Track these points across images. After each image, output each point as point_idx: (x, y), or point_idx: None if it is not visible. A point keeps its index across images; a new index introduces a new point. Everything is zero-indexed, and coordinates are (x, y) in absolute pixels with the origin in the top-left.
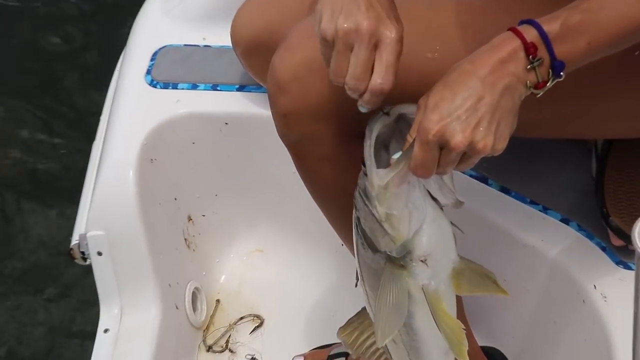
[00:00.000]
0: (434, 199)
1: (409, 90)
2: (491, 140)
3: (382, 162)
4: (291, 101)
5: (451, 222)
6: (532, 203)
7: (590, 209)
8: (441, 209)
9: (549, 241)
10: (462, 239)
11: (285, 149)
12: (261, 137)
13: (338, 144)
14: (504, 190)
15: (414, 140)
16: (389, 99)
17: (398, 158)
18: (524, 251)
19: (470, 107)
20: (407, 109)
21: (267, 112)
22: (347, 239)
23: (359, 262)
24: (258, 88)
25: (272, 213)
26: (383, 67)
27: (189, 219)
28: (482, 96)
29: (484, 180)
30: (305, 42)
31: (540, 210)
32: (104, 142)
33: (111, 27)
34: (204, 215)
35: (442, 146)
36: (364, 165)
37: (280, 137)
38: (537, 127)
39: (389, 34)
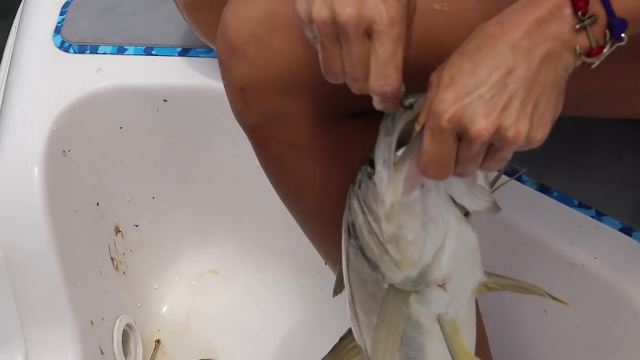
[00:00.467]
0: (458, 204)
1: (412, 54)
2: (526, 126)
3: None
4: (250, 69)
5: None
6: (581, 206)
7: None
8: (465, 215)
9: (604, 258)
10: (488, 254)
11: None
12: (213, 118)
13: (313, 125)
14: (543, 189)
15: (422, 128)
16: None
17: (403, 154)
18: (570, 271)
19: (497, 82)
20: None
21: (219, 84)
22: (329, 255)
23: (348, 274)
24: (207, 51)
25: (229, 221)
26: (379, 65)
27: (117, 231)
28: (513, 67)
29: (516, 175)
30: None
31: (592, 217)
32: None
33: None
34: (137, 226)
35: (461, 135)
36: (371, 167)
37: (236, 118)
38: (589, 102)
39: (379, 17)
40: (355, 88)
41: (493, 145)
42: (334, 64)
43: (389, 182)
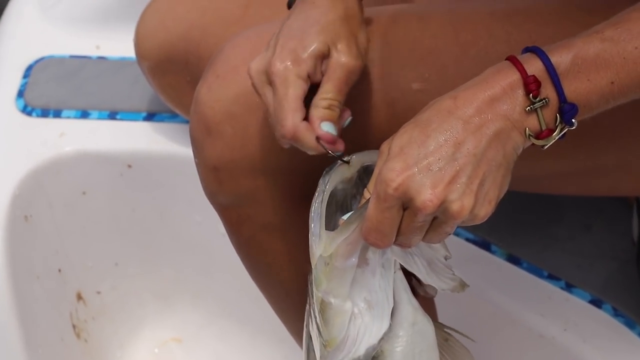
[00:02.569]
0: (414, 287)
1: (391, 133)
2: (471, 201)
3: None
4: (224, 149)
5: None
6: (551, 277)
7: (629, 285)
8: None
9: (574, 330)
10: (456, 325)
11: None
12: (177, 184)
13: (288, 206)
14: (513, 259)
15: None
16: (363, 148)
17: (348, 218)
18: (540, 343)
19: (445, 156)
20: (373, 156)
21: (185, 150)
22: (298, 334)
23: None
24: (172, 117)
25: (193, 288)
26: (275, 106)
27: (79, 297)
28: (463, 142)
29: (485, 246)
30: (243, 66)
31: (562, 288)
32: None
33: None
34: (99, 293)
35: (406, 205)
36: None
37: (207, 197)
38: (568, 181)
39: (270, 67)
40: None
41: (437, 218)
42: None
43: (320, 237)
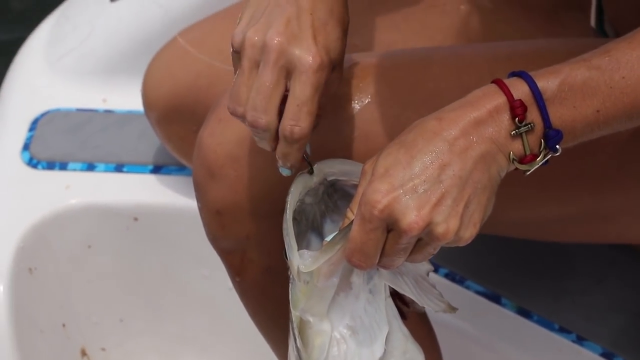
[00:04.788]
0: (401, 310)
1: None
2: (456, 224)
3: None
4: (227, 192)
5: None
6: (562, 331)
7: None
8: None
9: None
10: None
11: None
12: (184, 237)
13: None
14: (523, 312)
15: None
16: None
17: (332, 239)
18: None
19: (431, 177)
20: (339, 166)
21: (192, 203)
22: None
23: None
24: (179, 169)
25: (201, 344)
26: (295, 104)
27: (83, 353)
28: (447, 164)
29: (495, 299)
30: None
31: (573, 341)
32: None
33: None
34: (103, 349)
35: (391, 227)
36: (286, 256)
37: (210, 242)
38: (552, 228)
39: (306, 59)
40: (250, 117)
41: (421, 240)
42: (242, 89)
43: (293, 250)
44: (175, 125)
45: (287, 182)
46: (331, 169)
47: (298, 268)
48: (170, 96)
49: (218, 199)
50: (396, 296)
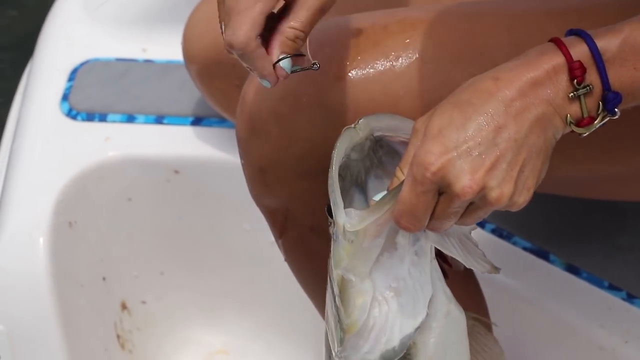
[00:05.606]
0: (444, 270)
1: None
2: (510, 189)
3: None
4: (272, 149)
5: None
6: (612, 288)
7: None
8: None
9: (635, 342)
10: (513, 337)
11: None
12: (225, 190)
13: None
14: (572, 269)
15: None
16: None
17: (381, 200)
18: (600, 355)
19: (486, 140)
20: (387, 121)
21: (233, 156)
22: None
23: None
24: (220, 122)
25: (241, 298)
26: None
27: (124, 307)
28: (503, 126)
29: (543, 255)
30: None
31: (623, 299)
32: (2, 198)
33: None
34: (144, 302)
35: (442, 190)
36: (329, 213)
37: (254, 200)
38: (602, 186)
39: None
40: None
41: (473, 204)
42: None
43: (339, 207)
44: (216, 79)
45: (331, 140)
46: (379, 123)
47: (344, 226)
48: (211, 49)
49: (261, 156)
50: (438, 255)
